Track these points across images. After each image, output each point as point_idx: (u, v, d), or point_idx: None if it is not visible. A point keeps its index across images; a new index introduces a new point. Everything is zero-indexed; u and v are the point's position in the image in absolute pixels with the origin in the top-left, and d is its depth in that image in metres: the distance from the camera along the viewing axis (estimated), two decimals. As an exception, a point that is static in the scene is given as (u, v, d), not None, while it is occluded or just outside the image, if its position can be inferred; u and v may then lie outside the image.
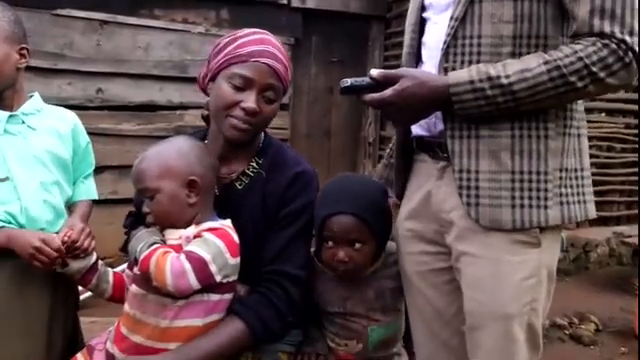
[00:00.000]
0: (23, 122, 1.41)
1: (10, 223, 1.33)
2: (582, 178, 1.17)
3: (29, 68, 3.31)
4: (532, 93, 1.05)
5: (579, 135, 1.17)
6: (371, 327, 1.37)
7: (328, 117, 4.33)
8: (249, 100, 1.19)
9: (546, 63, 1.04)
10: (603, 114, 4.72)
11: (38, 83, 3.21)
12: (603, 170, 4.63)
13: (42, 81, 3.22)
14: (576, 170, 1.16)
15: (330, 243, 1.28)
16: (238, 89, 1.20)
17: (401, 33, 4.71)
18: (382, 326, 1.38)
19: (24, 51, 1.42)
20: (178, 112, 3.60)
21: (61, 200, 1.45)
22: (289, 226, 1.26)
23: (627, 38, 1.02)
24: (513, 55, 1.09)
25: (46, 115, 1.47)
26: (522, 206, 1.10)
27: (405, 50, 1.30)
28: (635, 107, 4.53)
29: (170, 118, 3.58)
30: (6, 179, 1.35)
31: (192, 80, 3.66)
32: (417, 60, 1.26)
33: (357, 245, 1.28)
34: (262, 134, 1.35)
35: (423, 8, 1.25)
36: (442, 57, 1.15)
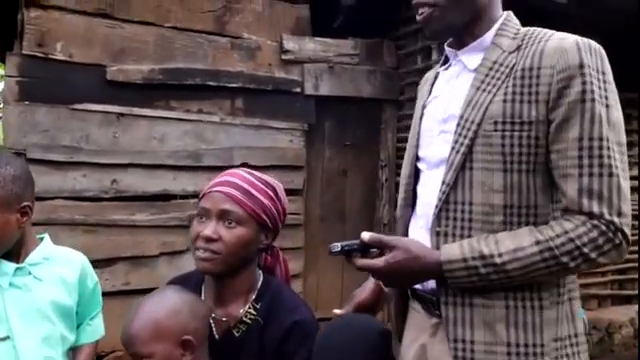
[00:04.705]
0: (30, 273, 1.39)
1: None
2: (577, 344, 1.13)
3: (45, 162, 3.37)
4: (525, 272, 1.06)
5: (571, 299, 1.15)
6: None
7: (342, 200, 4.30)
8: (206, 228, 1.24)
9: (538, 243, 1.05)
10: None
11: (54, 176, 3.24)
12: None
13: (58, 174, 3.24)
14: (570, 337, 1.13)
15: None
16: (201, 222, 1.26)
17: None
18: None
19: (26, 208, 1.37)
20: (192, 201, 3.59)
21: (62, 353, 1.42)
22: None
23: (615, 219, 1.03)
24: (505, 224, 1.10)
25: (53, 262, 1.45)
26: None
27: (400, 202, 1.32)
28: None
29: (184, 207, 3.57)
30: (6, 338, 1.31)
31: (206, 169, 3.69)
32: (412, 208, 1.28)
33: None
34: (260, 274, 1.35)
35: (418, 158, 1.28)
36: (434, 220, 1.16)
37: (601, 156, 1.03)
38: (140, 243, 3.44)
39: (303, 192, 4.01)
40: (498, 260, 1.05)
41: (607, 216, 1.03)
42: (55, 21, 3.23)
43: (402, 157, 4.93)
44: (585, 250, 1.03)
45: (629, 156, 5.29)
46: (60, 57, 3.24)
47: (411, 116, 5.02)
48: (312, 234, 4.11)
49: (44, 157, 3.20)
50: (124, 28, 3.41)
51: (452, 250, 1.10)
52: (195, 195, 3.60)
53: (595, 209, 1.03)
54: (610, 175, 1.04)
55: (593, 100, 1.04)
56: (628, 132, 5.08)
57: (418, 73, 4.17)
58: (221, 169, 3.63)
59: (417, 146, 1.29)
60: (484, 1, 1.19)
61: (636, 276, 4.57)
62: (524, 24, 1.23)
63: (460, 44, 1.22)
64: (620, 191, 1.04)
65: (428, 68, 4.07)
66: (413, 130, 1.34)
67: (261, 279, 1.34)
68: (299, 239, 3.94)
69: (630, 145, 4.65)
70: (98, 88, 3.35)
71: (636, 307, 4.49)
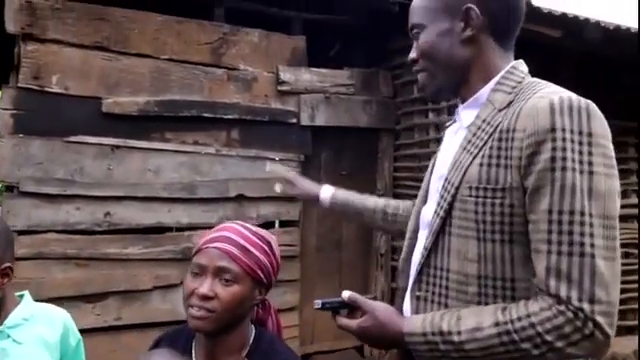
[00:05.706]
0: (9, 336, 1.35)
1: None
2: None
3: (38, 195, 3.32)
4: (485, 354, 0.98)
5: None
6: None
7: (338, 230, 4.26)
8: (202, 286, 1.21)
9: (497, 325, 0.96)
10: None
11: (47, 209, 3.19)
12: (622, 277, 4.45)
13: (51, 207, 3.20)
14: None
15: None
16: (196, 278, 1.23)
17: (410, 145, 4.67)
18: None
19: (7, 270, 1.36)
20: (187, 233, 3.54)
21: None
22: None
23: (585, 306, 0.91)
24: (479, 295, 1.03)
25: (34, 322, 1.41)
26: None
27: (402, 255, 1.28)
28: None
29: (178, 240, 3.52)
30: None
31: (201, 201, 3.66)
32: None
33: None
34: (252, 329, 1.33)
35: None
36: (414, 284, 1.14)
37: (571, 232, 0.93)
38: (133, 277, 3.38)
39: (299, 223, 3.97)
40: (456, 338, 0.99)
41: (575, 302, 0.91)
42: (52, 54, 3.24)
43: (399, 186, 4.82)
44: (548, 338, 0.92)
45: (626, 184, 5.22)
46: (56, 90, 3.24)
47: (408, 145, 4.94)
48: (308, 265, 4.06)
49: (37, 190, 3.17)
50: (120, 60, 3.42)
51: (415, 323, 1.06)
52: (190, 228, 3.57)
53: (562, 293, 0.92)
54: (581, 255, 0.92)
55: (564, 168, 0.93)
56: (625, 160, 4.99)
57: (414, 103, 4.19)
58: (216, 201, 3.63)
59: (425, 202, 1.24)
60: (468, 56, 1.12)
61: (636, 306, 4.51)
62: (516, 58, 1.15)
63: (463, 99, 1.18)
64: (595, 274, 0.92)
65: (424, 98, 4.08)
66: (424, 182, 1.28)
67: (253, 334, 1.31)
68: (295, 271, 3.88)
69: (628, 173, 4.64)
70: (93, 120, 3.34)
71: (635, 337, 4.42)
